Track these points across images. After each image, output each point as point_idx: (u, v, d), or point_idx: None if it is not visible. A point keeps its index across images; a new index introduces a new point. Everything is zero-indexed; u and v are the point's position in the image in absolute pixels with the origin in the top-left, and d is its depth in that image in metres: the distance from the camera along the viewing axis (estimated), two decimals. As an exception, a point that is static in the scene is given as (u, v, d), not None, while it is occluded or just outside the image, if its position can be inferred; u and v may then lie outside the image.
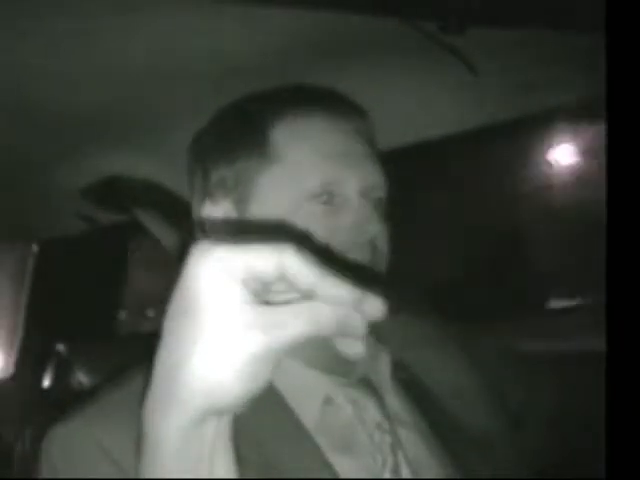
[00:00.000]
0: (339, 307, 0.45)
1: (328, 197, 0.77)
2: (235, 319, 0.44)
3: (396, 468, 0.77)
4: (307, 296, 0.45)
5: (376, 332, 0.61)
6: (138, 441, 0.50)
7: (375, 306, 0.45)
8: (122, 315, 2.18)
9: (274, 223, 0.76)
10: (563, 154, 1.34)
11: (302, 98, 0.83)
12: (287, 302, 0.45)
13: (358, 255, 0.77)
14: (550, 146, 1.34)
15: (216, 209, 0.81)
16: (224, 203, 0.81)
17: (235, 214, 0.80)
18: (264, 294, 0.46)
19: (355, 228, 0.77)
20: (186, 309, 0.45)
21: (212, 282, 0.44)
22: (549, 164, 1.38)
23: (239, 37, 0.92)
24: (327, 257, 0.51)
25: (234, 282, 0.44)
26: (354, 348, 0.49)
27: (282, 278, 0.45)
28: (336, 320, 0.45)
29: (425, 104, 1.18)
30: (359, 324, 0.45)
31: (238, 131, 0.82)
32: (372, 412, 0.79)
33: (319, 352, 0.73)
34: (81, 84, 1.04)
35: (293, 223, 0.76)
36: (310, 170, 0.78)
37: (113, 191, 1.47)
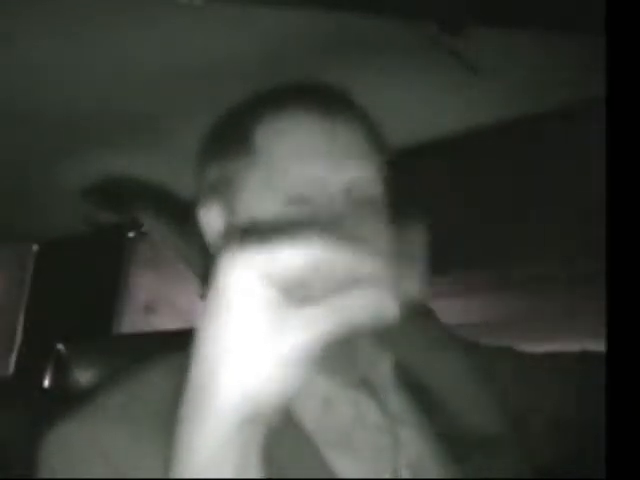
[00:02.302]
0: (371, 293, 0.44)
1: (310, 197, 0.75)
2: (265, 323, 0.44)
3: (396, 469, 0.77)
4: (347, 283, 0.45)
5: (377, 334, 0.61)
6: (168, 455, 0.50)
7: (412, 284, 0.45)
8: (122, 315, 2.18)
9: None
10: (563, 154, 1.34)
11: (287, 95, 0.81)
12: (321, 297, 0.45)
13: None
14: (550, 146, 1.34)
15: (209, 213, 0.81)
16: (215, 206, 0.80)
17: (224, 216, 0.80)
18: (300, 292, 0.45)
19: (341, 230, 0.74)
20: (218, 318, 0.45)
21: (242, 289, 0.44)
22: (549, 164, 1.38)
23: (238, 37, 0.92)
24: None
25: (264, 286, 0.44)
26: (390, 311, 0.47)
27: (317, 271, 0.44)
28: (369, 308, 0.44)
29: (425, 104, 1.18)
30: (393, 307, 0.45)
31: (227, 132, 0.81)
32: (373, 413, 0.79)
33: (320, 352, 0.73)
34: (82, 85, 1.04)
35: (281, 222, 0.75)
36: (291, 170, 0.76)
37: (113, 191, 1.47)
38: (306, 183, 0.76)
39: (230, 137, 0.81)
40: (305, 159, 0.76)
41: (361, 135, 0.80)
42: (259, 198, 0.77)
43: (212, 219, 0.80)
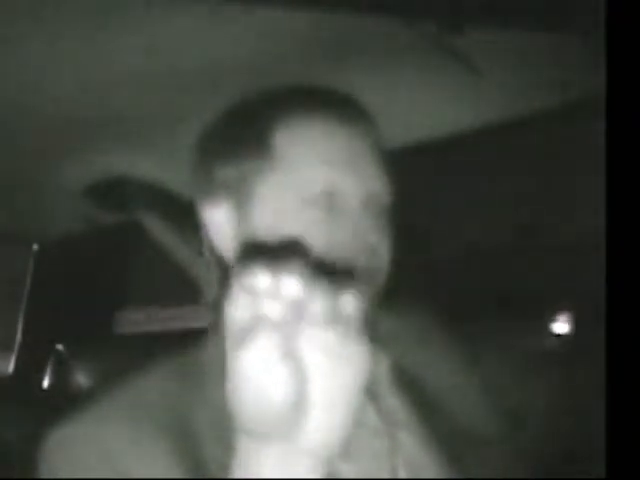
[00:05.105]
0: None
1: (328, 203, 0.76)
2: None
3: (394, 472, 0.77)
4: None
5: (374, 334, 0.61)
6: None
7: (350, 302, 0.54)
8: (122, 315, 2.18)
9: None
10: (562, 154, 1.34)
11: (308, 100, 0.82)
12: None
13: (357, 260, 0.75)
14: (549, 146, 1.34)
15: (217, 211, 0.81)
16: (225, 205, 0.80)
17: (236, 216, 0.80)
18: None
19: (354, 235, 0.76)
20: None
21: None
22: (549, 164, 1.38)
23: (238, 38, 0.92)
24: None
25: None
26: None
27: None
28: None
29: (425, 104, 1.18)
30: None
31: (242, 132, 0.81)
32: (370, 416, 0.79)
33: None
34: (82, 85, 1.04)
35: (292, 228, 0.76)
36: (311, 175, 0.77)
37: (114, 192, 1.47)
38: (326, 188, 0.76)
39: (244, 137, 0.80)
40: (328, 165, 0.77)
41: (376, 146, 0.81)
42: (276, 200, 0.77)
43: (220, 216, 0.80)
